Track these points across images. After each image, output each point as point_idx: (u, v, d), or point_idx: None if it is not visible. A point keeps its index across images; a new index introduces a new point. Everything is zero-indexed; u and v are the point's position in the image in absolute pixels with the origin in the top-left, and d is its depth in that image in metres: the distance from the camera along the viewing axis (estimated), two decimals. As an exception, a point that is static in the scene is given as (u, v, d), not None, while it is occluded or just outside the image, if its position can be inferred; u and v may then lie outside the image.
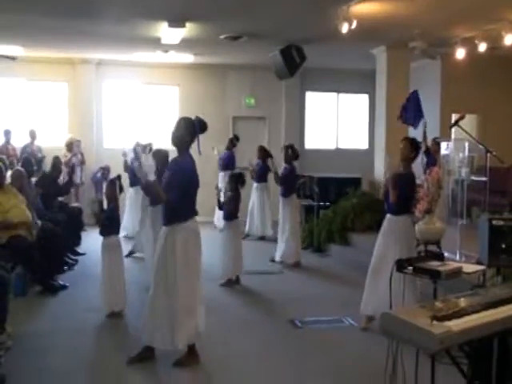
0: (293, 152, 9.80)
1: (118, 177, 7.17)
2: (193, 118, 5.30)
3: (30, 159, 10.07)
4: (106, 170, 12.78)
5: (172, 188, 5.09)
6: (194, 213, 5.27)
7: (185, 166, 5.18)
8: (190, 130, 5.20)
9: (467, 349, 3.80)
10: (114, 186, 6.92)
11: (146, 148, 10.98)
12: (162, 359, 5.28)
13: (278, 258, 9.72)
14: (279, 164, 10.14)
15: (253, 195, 12.08)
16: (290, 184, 9.70)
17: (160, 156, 7.65)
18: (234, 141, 13.03)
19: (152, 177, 5.10)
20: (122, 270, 6.82)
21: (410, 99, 9.73)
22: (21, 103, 13.72)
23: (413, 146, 6.19)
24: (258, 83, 14.83)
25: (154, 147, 9.72)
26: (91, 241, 9.69)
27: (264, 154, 11.96)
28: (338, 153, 15.64)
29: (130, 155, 10.71)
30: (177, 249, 5.09)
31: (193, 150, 5.28)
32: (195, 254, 5.23)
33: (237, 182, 8.37)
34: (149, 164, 5.35)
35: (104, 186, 8.60)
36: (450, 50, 10.77)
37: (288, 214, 9.64)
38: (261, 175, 11.86)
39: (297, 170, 10.13)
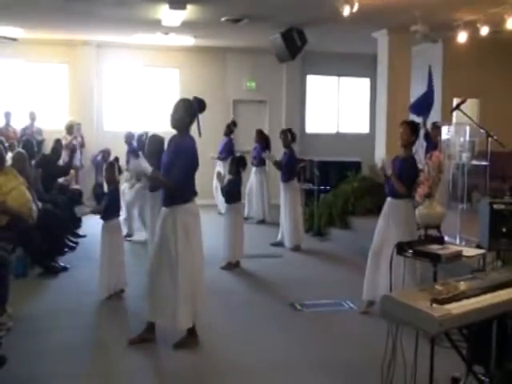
0: (291, 136, 9.78)
1: (116, 159, 7.15)
2: (191, 98, 5.29)
3: (31, 141, 10.04)
4: (106, 153, 12.75)
5: (175, 169, 5.08)
6: (194, 194, 5.28)
7: (186, 145, 5.17)
8: (189, 111, 5.19)
9: (466, 332, 3.82)
10: (113, 169, 6.90)
11: (142, 137, 10.85)
12: (162, 341, 5.31)
13: (287, 243, 9.65)
14: (277, 149, 10.09)
15: (251, 179, 12.09)
16: (291, 169, 9.68)
17: (155, 141, 7.61)
18: (231, 126, 12.96)
19: (149, 169, 5.16)
20: (122, 253, 6.83)
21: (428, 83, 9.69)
22: (21, 85, 13.67)
23: (412, 129, 6.12)
24: (258, 66, 14.77)
25: (151, 132, 9.66)
26: (91, 223, 9.70)
27: (262, 137, 11.96)
28: (339, 137, 15.61)
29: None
30: (178, 230, 5.09)
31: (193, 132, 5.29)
32: (195, 235, 5.24)
33: (238, 165, 8.37)
34: (143, 165, 5.42)
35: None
36: (451, 34, 10.72)
37: (289, 198, 9.61)
38: (259, 159, 11.85)
39: (296, 153, 10.10)
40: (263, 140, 11.94)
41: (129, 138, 10.97)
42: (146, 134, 10.60)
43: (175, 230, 5.09)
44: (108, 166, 7.10)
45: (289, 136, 9.73)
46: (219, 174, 8.75)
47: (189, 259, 5.14)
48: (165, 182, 5.17)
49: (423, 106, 10.25)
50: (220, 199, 12.33)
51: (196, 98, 5.29)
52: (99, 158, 13.12)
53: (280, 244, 9.73)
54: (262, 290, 7.35)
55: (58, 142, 10.15)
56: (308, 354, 5.23)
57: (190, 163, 5.16)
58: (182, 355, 5.13)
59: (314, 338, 5.65)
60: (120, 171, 7.06)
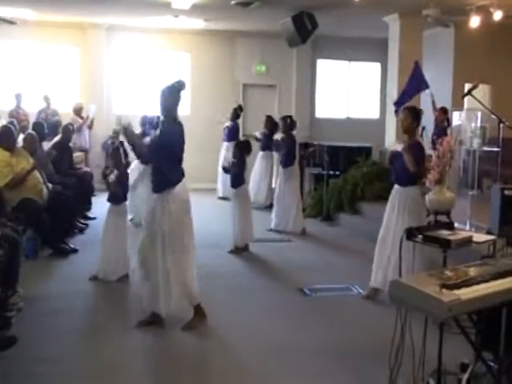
0: (291, 122, 9.77)
1: (121, 143, 7.11)
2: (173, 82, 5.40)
3: (42, 123, 10.06)
4: (116, 138, 12.71)
5: (157, 152, 5.18)
6: (182, 176, 5.30)
7: (170, 130, 5.25)
8: (174, 95, 5.31)
9: (476, 318, 3.82)
10: (119, 153, 6.88)
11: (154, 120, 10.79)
12: (169, 323, 5.34)
13: (292, 228, 9.67)
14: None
15: (257, 163, 12.03)
16: (290, 153, 9.68)
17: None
18: (238, 111, 12.93)
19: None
20: (126, 236, 6.85)
21: (413, 73, 9.68)
22: (31, 67, 13.69)
23: (413, 115, 6.09)
24: (268, 50, 14.71)
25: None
26: (101, 205, 9.69)
27: (271, 123, 11.94)
28: (349, 122, 15.55)
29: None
30: (172, 219, 5.15)
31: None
32: (186, 220, 5.29)
33: (242, 149, 8.31)
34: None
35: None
36: (463, 19, 10.62)
37: (291, 184, 9.65)
38: (267, 145, 11.82)
39: (296, 139, 10.04)
40: (272, 125, 11.92)
41: (144, 121, 10.95)
42: (159, 117, 10.52)
43: (164, 216, 5.14)
44: (113, 151, 7.05)
45: (288, 121, 9.74)
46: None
47: (178, 244, 5.19)
48: (137, 141, 5.28)
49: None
50: (222, 183, 12.35)
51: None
52: (109, 142, 13.09)
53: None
54: (270, 275, 7.37)
55: (65, 128, 10.16)
56: (316, 338, 5.25)
57: (172, 147, 5.21)
58: (189, 337, 5.16)
59: (322, 323, 5.66)
60: (126, 155, 7.03)
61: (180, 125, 5.31)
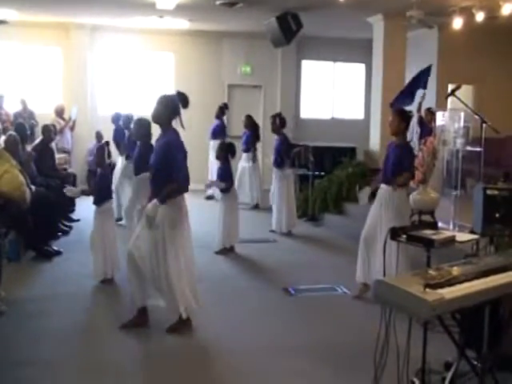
0: (280, 121, 9.72)
1: (107, 143, 7.11)
2: (174, 93, 5.28)
3: (24, 124, 9.98)
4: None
5: (175, 170, 5.08)
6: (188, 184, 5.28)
7: (170, 142, 5.16)
8: (169, 106, 5.18)
9: (459, 317, 3.83)
10: (103, 152, 6.86)
11: (128, 117, 10.71)
12: (154, 325, 5.32)
13: (273, 227, 9.71)
14: (269, 135, 10.04)
15: (241, 165, 11.99)
16: (282, 154, 9.63)
17: (140, 125, 7.57)
18: (223, 109, 12.92)
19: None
20: (114, 236, 6.81)
21: (420, 75, 9.70)
22: (14, 67, 13.58)
23: (401, 116, 6.14)
24: (253, 51, 14.70)
25: (138, 116, 9.54)
26: (85, 207, 9.64)
27: (251, 123, 11.93)
28: (334, 122, 15.58)
29: None
30: (165, 223, 5.09)
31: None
32: (184, 227, 5.24)
33: (227, 151, 8.30)
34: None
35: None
36: (447, 20, 10.67)
37: (282, 185, 9.61)
38: (248, 144, 11.82)
39: (289, 139, 10.05)
40: (252, 126, 11.92)
41: (116, 119, 10.89)
42: (132, 116, 10.46)
43: (164, 218, 5.09)
44: (98, 150, 7.03)
45: (277, 121, 9.68)
46: (209, 183, 8.84)
47: (179, 246, 5.15)
48: (170, 190, 5.12)
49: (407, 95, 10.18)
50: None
51: (179, 93, 5.26)
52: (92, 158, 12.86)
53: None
54: (255, 275, 7.37)
55: (45, 128, 10.08)
56: (301, 338, 5.25)
57: (180, 157, 5.15)
58: (175, 339, 5.14)
59: (306, 323, 5.67)
60: (110, 155, 7.02)
61: (176, 132, 5.21)
